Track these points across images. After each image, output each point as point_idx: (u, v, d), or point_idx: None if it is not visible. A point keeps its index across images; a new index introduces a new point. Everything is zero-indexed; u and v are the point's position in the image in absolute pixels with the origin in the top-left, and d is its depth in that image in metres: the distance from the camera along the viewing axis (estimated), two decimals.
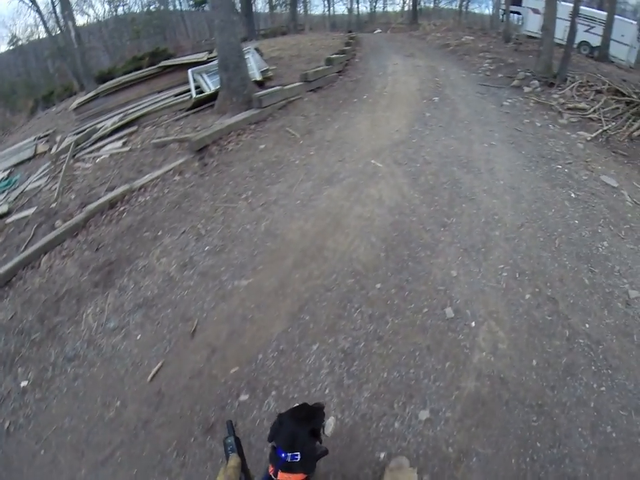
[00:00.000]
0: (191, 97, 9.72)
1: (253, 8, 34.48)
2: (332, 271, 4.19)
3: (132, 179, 6.27)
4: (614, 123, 8.50)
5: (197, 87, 10.03)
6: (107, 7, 34.98)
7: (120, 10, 34.92)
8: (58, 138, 10.85)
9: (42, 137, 12.08)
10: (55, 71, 27.71)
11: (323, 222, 4.97)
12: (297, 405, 2.10)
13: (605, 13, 15.91)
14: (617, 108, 9.28)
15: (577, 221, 5.10)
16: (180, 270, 4.32)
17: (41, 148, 11.06)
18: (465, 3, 33.50)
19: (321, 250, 4.51)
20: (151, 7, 35.95)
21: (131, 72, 24.56)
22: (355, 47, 14.96)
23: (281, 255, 4.44)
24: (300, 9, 27.80)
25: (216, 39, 8.53)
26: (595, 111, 8.91)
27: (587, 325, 3.68)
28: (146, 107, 10.20)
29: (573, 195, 5.65)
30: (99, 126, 10.02)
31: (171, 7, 36.72)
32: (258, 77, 10.05)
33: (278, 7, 34.09)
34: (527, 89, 9.78)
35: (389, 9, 38.81)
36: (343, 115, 8.18)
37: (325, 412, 2.19)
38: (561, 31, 13.03)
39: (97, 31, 34.97)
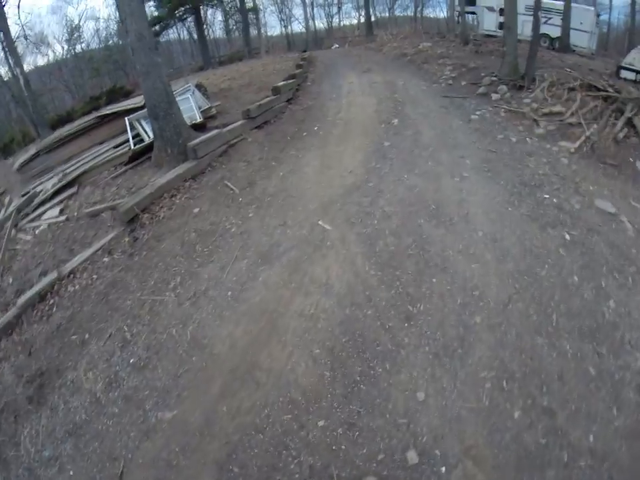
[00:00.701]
0: (130, 148, 8.50)
1: (211, 34, 33.42)
2: (265, 401, 3.11)
3: (63, 260, 5.40)
4: (596, 126, 7.30)
5: (136, 136, 8.80)
6: (65, 46, 33.31)
7: (78, 48, 33.38)
8: (6, 200, 9.69)
9: None
10: (17, 117, 26.30)
11: (257, 325, 3.70)
12: None
13: (562, 3, 14.95)
14: (596, 106, 8.11)
15: (576, 277, 3.88)
16: (106, 390, 3.53)
17: None
18: (419, 8, 32.48)
19: (253, 369, 3.36)
20: (109, 42, 34.51)
21: (89, 112, 23.23)
22: (308, 68, 13.70)
23: (208, 377, 3.40)
24: (255, 32, 26.64)
25: (141, 85, 7.24)
26: (572, 114, 7.71)
27: (591, 438, 2.74)
28: (86, 162, 9.06)
29: (567, 236, 4.39)
30: (39, 189, 8.83)
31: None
32: (198, 119, 8.74)
33: (236, 32, 32.82)
34: (495, 96, 8.57)
35: (346, 22, 37.68)
36: (289, 156, 6.86)
37: None
38: (519, 26, 12.26)
39: (57, 71, 33.46)
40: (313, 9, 32.99)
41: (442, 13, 33.44)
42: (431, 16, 34.51)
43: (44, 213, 7.52)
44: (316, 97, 10.27)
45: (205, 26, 25.15)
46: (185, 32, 31.93)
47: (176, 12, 22.62)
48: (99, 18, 35.50)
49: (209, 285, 4.35)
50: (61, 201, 7.61)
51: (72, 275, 5.03)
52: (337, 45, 22.36)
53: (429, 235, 4.38)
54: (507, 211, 4.76)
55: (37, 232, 6.79)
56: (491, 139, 6.59)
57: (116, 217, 5.96)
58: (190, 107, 9.03)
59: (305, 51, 18.15)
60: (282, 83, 9.82)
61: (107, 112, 10.52)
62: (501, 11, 16.04)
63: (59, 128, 20.92)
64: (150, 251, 5.12)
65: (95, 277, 4.90)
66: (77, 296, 4.68)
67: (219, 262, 4.65)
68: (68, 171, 8.96)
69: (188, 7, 22.36)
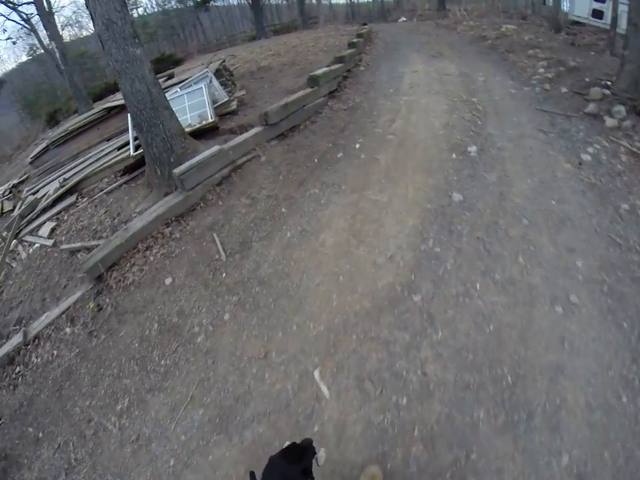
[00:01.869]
0: (129, 154, 6.85)
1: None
2: None
3: (35, 312, 4.73)
4: None
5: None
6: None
7: (135, 12, 31.94)
8: (25, 191, 9.16)
9: (14, 186, 10.32)
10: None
11: None
12: (287, 445, 2.03)
13: None
14: None
15: None
16: None
17: (7, 206, 9.26)
18: None
19: None
20: (166, 7, 32.74)
21: None
22: (364, 47, 11.06)
23: None
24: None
25: (119, 86, 5.40)
26: None
27: None
28: (87, 166, 7.75)
29: None
30: (43, 192, 7.90)
31: (190, 2, 33.10)
32: (210, 119, 6.74)
33: None
34: (609, 122, 5.83)
35: None
36: (307, 198, 4.75)
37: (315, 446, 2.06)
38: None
39: None
40: None
41: None
42: None
43: (43, 223, 6.60)
44: (367, 91, 7.86)
45: None
46: None
47: None
48: None
49: (153, 432, 2.96)
50: (59, 212, 6.73)
51: (37, 340, 4.25)
52: (405, 19, 19.04)
53: (486, 461, 2.26)
54: (619, 404, 2.50)
55: (30, 251, 6.05)
56: (613, 210, 4.07)
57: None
58: (202, 101, 7.04)
59: (364, 24, 15.28)
60: (322, 71, 7.42)
61: (114, 104, 8.87)
62: None
63: (106, 97, 19.78)
64: (109, 337, 3.86)
65: (55, 352, 4.01)
66: (38, 375, 3.89)
67: (171, 395, 3.11)
68: (68, 175, 7.85)
69: None
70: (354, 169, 5.22)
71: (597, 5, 13.03)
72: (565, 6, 15.85)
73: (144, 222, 4.72)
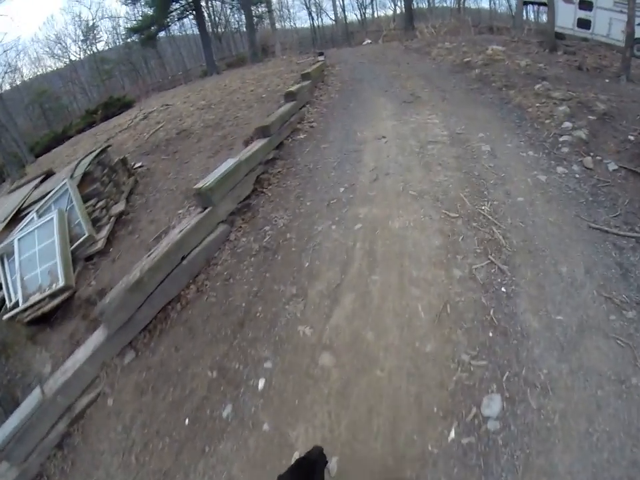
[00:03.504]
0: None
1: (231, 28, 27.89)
2: None
3: None
4: None
5: None
6: (82, 46, 29.46)
7: (99, 46, 29.58)
8: None
9: None
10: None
11: None
12: (296, 461, 1.83)
13: None
14: None
15: None
16: None
17: None
18: None
19: None
20: (128, 40, 30.36)
21: (83, 130, 18.77)
22: (312, 93, 8.20)
23: None
24: (262, 26, 20.72)
25: None
26: None
27: None
28: None
29: None
30: None
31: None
32: (61, 282, 3.87)
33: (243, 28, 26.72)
34: None
35: (380, 13, 30.53)
36: None
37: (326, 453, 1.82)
38: (604, 26, 9.57)
39: (73, 73, 29.93)
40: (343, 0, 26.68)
41: (483, 4, 27.16)
42: (472, 7, 27.33)
43: None
44: (301, 194, 4.67)
45: (210, 23, 19.69)
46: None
47: (171, 9, 17.24)
48: (114, 17, 31.39)
49: None
50: None
51: None
52: (369, 41, 16.36)
53: None
54: None
55: None
56: None
57: None
58: (52, 244, 4.19)
59: (321, 54, 12.39)
60: (217, 177, 4.16)
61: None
62: (582, 4, 11.50)
63: (54, 148, 16.91)
64: None
65: None
66: None
67: None
68: None
69: (183, 2, 16.93)
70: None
71: (583, 14, 11.54)
72: (542, 17, 13.86)
73: None
